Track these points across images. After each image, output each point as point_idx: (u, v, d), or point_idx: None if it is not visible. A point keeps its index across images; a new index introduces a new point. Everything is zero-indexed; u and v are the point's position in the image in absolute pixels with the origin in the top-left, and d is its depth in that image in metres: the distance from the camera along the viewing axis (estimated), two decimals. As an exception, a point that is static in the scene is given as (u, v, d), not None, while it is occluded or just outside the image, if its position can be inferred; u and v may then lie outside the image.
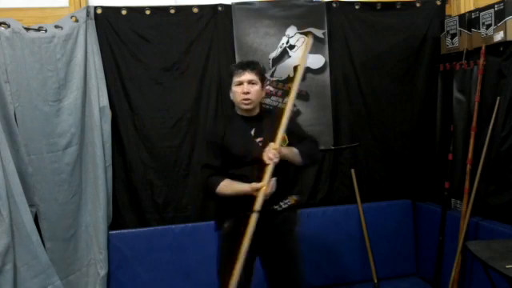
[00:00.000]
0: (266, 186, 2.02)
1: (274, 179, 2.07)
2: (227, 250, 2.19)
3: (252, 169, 2.13)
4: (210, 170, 2.20)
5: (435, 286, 3.07)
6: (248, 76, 2.20)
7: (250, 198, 2.06)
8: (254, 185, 2.04)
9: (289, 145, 2.22)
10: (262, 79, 2.28)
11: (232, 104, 2.35)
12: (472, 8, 3.06)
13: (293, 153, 2.18)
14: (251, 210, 2.04)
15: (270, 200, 2.12)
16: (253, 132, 2.23)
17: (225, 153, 2.19)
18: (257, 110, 2.28)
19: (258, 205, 2.02)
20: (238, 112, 2.28)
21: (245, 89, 2.19)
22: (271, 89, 3.18)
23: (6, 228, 2.47)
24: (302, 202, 2.33)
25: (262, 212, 2.06)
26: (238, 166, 2.17)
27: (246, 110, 2.24)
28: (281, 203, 2.23)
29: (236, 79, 2.22)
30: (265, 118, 2.28)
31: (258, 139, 2.22)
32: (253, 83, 2.21)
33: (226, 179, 2.15)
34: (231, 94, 2.28)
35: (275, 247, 2.25)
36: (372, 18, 3.27)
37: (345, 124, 3.30)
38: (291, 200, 2.27)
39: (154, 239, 3.03)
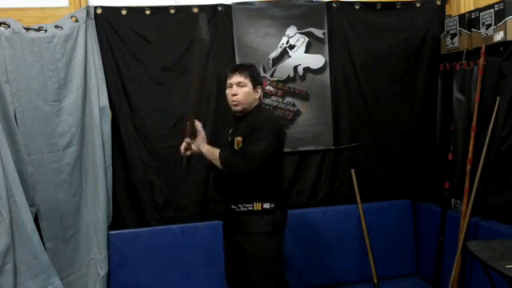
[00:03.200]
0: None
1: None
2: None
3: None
4: None
5: (435, 285, 3.07)
6: (236, 78, 2.29)
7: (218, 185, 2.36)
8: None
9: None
10: (254, 81, 2.31)
11: None
12: (472, 8, 3.06)
13: (211, 155, 2.24)
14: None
15: (229, 198, 2.29)
16: (230, 131, 2.34)
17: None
18: (248, 110, 2.33)
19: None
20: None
21: (233, 91, 2.29)
22: (271, 89, 3.18)
23: (6, 228, 2.47)
24: (271, 210, 2.26)
25: (224, 209, 2.32)
26: None
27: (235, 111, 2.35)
28: (240, 205, 2.25)
29: (228, 81, 2.33)
30: (247, 119, 2.31)
31: (230, 138, 2.32)
32: (241, 85, 2.28)
33: None
34: None
35: (234, 246, 2.34)
36: (372, 18, 3.27)
37: (345, 124, 3.30)
38: (256, 206, 2.24)
39: (154, 239, 3.03)
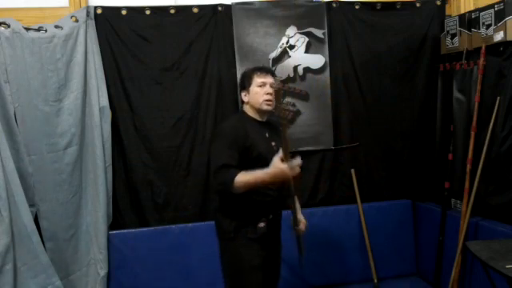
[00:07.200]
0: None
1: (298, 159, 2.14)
2: (258, 254, 2.23)
3: None
4: (229, 168, 2.10)
5: (435, 285, 3.08)
6: (269, 79, 2.26)
7: (276, 199, 2.24)
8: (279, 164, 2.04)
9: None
10: None
11: (236, 106, 2.34)
12: (472, 8, 3.06)
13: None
14: (278, 212, 2.30)
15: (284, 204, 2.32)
16: (267, 135, 2.28)
17: (245, 153, 2.15)
18: (266, 116, 2.32)
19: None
20: (250, 114, 2.29)
21: (269, 90, 2.23)
22: (271, 89, 3.18)
23: (6, 228, 2.47)
24: None
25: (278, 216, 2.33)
26: (258, 167, 2.11)
27: (260, 114, 2.28)
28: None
29: (259, 80, 2.25)
30: (271, 125, 2.33)
31: (273, 143, 2.26)
32: (273, 87, 2.24)
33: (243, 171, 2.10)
34: (245, 96, 2.28)
35: (276, 250, 2.41)
36: (372, 18, 3.27)
37: (345, 124, 3.29)
38: None
39: (154, 239, 3.03)
